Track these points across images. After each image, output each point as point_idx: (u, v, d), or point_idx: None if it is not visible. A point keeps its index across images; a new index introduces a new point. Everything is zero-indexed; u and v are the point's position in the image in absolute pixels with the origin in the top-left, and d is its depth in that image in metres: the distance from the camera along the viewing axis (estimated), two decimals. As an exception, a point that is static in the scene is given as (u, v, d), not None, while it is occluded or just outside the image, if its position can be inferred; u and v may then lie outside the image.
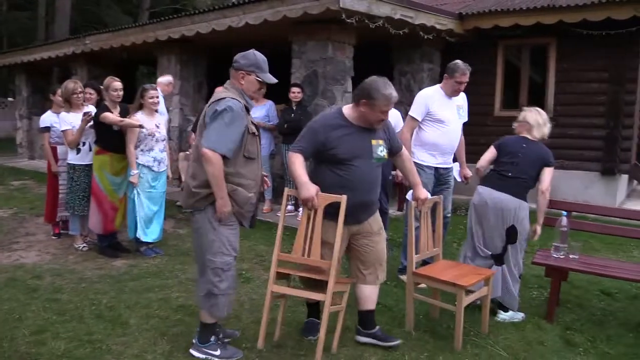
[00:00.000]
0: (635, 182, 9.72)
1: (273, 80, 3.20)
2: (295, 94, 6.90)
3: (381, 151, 3.34)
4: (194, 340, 3.30)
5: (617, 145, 7.98)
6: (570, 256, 4.04)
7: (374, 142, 3.31)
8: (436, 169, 4.66)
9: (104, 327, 3.61)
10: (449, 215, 4.91)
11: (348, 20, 6.42)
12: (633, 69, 7.91)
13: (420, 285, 3.86)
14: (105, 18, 21.64)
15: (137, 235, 5.30)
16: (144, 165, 5.23)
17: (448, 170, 4.76)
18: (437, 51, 8.94)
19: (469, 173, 4.92)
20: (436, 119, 4.56)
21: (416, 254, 3.68)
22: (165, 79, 7.12)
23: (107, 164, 5.22)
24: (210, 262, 3.15)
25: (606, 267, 4.06)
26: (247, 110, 3.15)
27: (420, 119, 4.58)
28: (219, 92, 3.19)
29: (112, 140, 5.18)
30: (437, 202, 3.87)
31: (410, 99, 8.72)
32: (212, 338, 3.26)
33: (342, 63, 7.19)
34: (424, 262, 4.07)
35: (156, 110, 5.42)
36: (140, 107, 5.25)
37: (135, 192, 5.22)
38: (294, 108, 6.92)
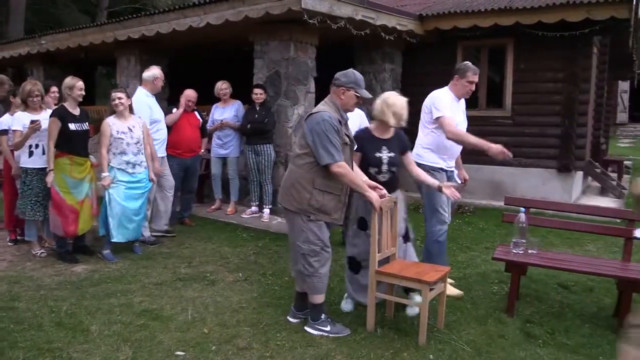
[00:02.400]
0: (589, 178, 10.06)
1: (369, 95, 3.65)
2: (258, 95, 6.87)
3: None
4: (309, 320, 3.68)
5: (572, 143, 8.25)
6: (529, 251, 4.16)
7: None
8: (446, 171, 4.61)
9: (64, 335, 3.52)
10: (450, 218, 4.81)
11: (310, 21, 6.43)
12: (586, 69, 8.19)
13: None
14: (62, 17, 21.06)
15: (106, 235, 5.29)
16: (117, 168, 5.23)
17: (453, 172, 4.76)
18: (399, 52, 9.06)
19: (466, 175, 4.94)
20: None
21: (378, 252, 3.71)
22: (149, 74, 6.12)
23: (66, 166, 5.10)
24: (299, 248, 3.58)
25: (563, 261, 4.20)
26: (341, 123, 3.54)
27: (452, 115, 4.44)
28: (323, 106, 3.59)
29: (70, 143, 5.07)
30: (395, 202, 3.92)
31: (371, 99, 8.87)
32: (323, 316, 3.64)
33: (305, 63, 7.20)
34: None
35: (133, 112, 5.47)
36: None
37: (107, 193, 5.21)
38: (258, 109, 6.89)
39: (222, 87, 7.22)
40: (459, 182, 4.83)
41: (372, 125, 4.07)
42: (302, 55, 7.16)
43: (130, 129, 5.30)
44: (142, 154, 5.40)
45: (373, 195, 3.52)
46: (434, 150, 4.54)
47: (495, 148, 4.15)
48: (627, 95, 23.88)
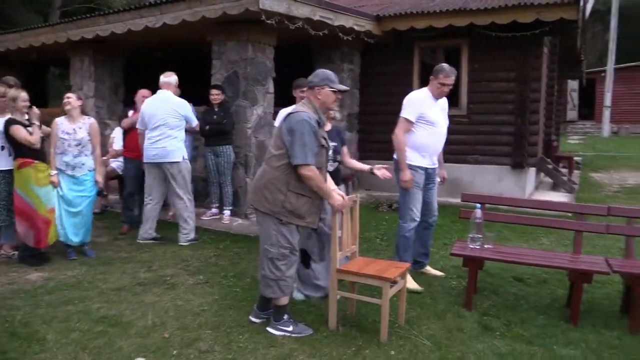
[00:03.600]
0: (542, 174, 10.40)
1: (345, 88, 3.67)
2: (215, 95, 6.82)
3: None
4: (271, 320, 3.67)
5: (525, 141, 8.51)
6: (485, 246, 4.27)
7: None
8: (425, 169, 4.75)
9: (19, 345, 3.41)
10: (436, 215, 4.99)
11: (268, 21, 6.42)
12: (537, 68, 8.46)
13: None
14: (12, 17, 20.31)
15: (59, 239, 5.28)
16: (58, 169, 5.24)
17: (435, 169, 4.88)
18: (357, 52, 9.15)
19: (445, 174, 5.07)
20: (428, 121, 4.63)
21: (339, 251, 3.75)
22: (173, 79, 6.13)
23: (31, 176, 5.07)
24: (267, 252, 3.54)
25: (518, 254, 4.33)
26: (319, 124, 3.52)
27: (414, 121, 4.61)
28: (299, 107, 3.57)
29: (29, 150, 5.06)
30: (355, 200, 3.97)
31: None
32: (285, 316, 3.63)
33: (263, 64, 7.19)
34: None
35: (86, 114, 5.54)
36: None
37: (56, 193, 5.21)
38: (216, 110, 6.84)
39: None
40: (438, 180, 4.96)
41: None
42: (261, 55, 7.14)
43: (74, 130, 5.26)
44: (84, 155, 5.31)
45: (338, 200, 3.54)
46: (413, 149, 4.68)
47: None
48: (576, 93, 24.80)
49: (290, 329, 3.59)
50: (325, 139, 3.59)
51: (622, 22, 23.98)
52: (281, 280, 3.56)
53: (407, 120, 4.61)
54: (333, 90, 3.55)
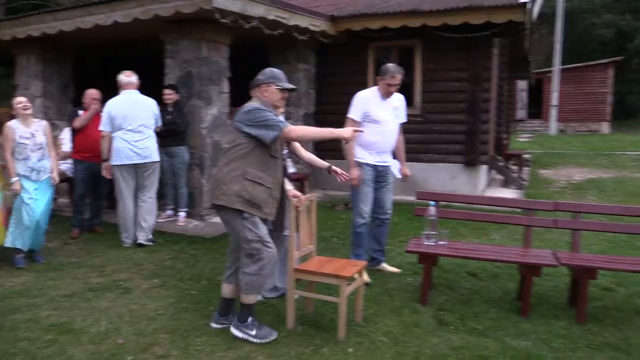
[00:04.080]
0: (493, 171, 10.69)
1: (291, 86, 3.66)
2: (168, 95, 6.71)
3: None
4: (235, 320, 3.58)
5: (477, 139, 8.73)
6: (440, 242, 4.37)
7: None
8: (375, 166, 4.85)
9: (-38, 356, 3.27)
10: (389, 212, 5.07)
11: (222, 20, 6.36)
12: (488, 69, 8.69)
13: None
14: (-50, 13, 19.36)
15: (15, 245, 5.11)
16: (22, 175, 5.08)
17: (386, 168, 4.94)
18: (312, 52, 9.17)
19: (408, 172, 5.14)
20: (373, 119, 4.75)
21: (297, 250, 3.75)
22: (131, 79, 6.03)
23: None
24: (243, 249, 3.50)
25: (471, 250, 4.45)
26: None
27: (358, 120, 4.75)
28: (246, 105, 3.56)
29: None
30: (312, 200, 3.98)
31: (286, 98, 8.89)
32: (250, 319, 3.54)
33: (218, 63, 7.11)
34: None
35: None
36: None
37: (19, 200, 5.05)
38: (169, 110, 6.72)
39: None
40: (399, 176, 5.05)
41: None
42: (215, 55, 7.06)
43: (32, 134, 5.17)
44: (46, 159, 5.24)
45: (347, 131, 3.55)
46: (360, 145, 4.80)
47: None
48: (526, 93, 25.60)
49: (254, 332, 3.52)
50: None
51: (567, 25, 24.93)
52: (255, 275, 3.48)
53: (352, 120, 4.77)
54: (279, 88, 3.58)
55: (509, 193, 9.36)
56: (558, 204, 4.57)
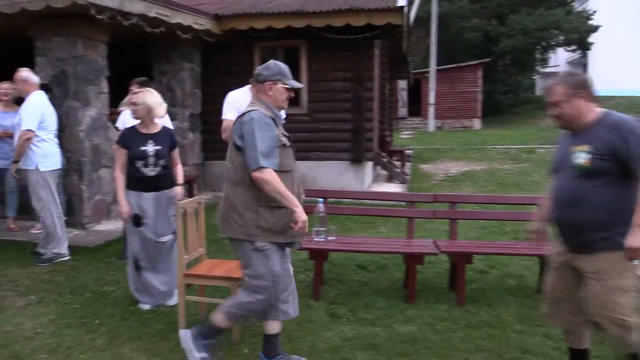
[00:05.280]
0: (378, 167, 11.16)
1: (299, 85, 3.20)
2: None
3: None
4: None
5: (362, 137, 9.07)
6: (329, 238, 4.48)
7: None
8: None
9: None
10: None
11: (98, 16, 6.02)
12: (370, 69, 9.06)
13: None
14: None
15: None
16: None
17: None
18: (197, 51, 8.99)
19: None
20: None
21: (185, 254, 3.67)
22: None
23: None
24: (244, 282, 3.07)
25: (359, 244, 4.63)
26: (276, 122, 3.01)
27: (234, 120, 4.50)
28: (250, 107, 3.05)
29: None
30: (200, 202, 3.91)
31: (171, 99, 8.65)
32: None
33: (95, 62, 6.72)
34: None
35: None
36: None
37: None
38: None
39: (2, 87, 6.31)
40: None
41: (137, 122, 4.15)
42: (92, 53, 6.67)
43: None
44: None
45: (302, 215, 2.90)
46: None
47: None
48: (406, 92, 27.01)
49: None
50: (287, 136, 3.07)
51: (441, 28, 26.64)
52: (246, 314, 3.09)
53: (226, 120, 4.47)
54: (286, 87, 3.08)
55: (393, 187, 9.83)
56: (437, 196, 4.88)
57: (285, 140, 3.03)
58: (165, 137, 4.17)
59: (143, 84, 5.70)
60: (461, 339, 3.62)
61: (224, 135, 4.57)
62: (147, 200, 4.03)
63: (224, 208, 3.03)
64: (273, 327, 3.12)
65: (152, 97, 4.06)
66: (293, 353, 3.37)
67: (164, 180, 4.11)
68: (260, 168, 2.82)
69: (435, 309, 4.15)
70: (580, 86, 2.71)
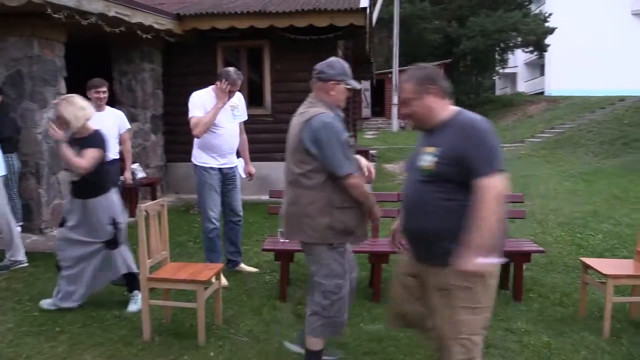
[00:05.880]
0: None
1: (359, 86, 3.02)
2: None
3: None
4: None
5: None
6: (295, 239, 4.48)
7: None
8: (220, 169, 4.72)
9: None
10: (241, 214, 5.01)
11: (55, 15, 5.86)
12: (333, 70, 9.08)
13: None
14: None
15: None
16: None
17: (233, 169, 4.84)
18: (158, 51, 8.85)
19: (252, 170, 5.09)
20: None
21: (149, 258, 3.61)
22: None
23: None
24: (320, 285, 2.96)
25: (325, 244, 4.63)
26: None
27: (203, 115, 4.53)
28: (309, 106, 2.96)
29: None
30: (162, 205, 3.86)
31: (132, 99, 8.51)
32: None
33: (52, 62, 6.54)
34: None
35: None
36: None
37: None
38: (-6, 113, 6.02)
39: None
40: (245, 176, 5.03)
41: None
42: (49, 53, 6.49)
43: None
44: None
45: (378, 213, 3.08)
46: (203, 149, 4.72)
47: None
48: (369, 93, 27.24)
49: None
50: (350, 137, 3.23)
51: (403, 29, 26.98)
52: (333, 319, 2.99)
53: (194, 117, 4.62)
54: (347, 88, 3.03)
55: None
56: (401, 195, 4.93)
57: (350, 140, 3.05)
58: (90, 141, 3.96)
59: (97, 86, 5.61)
60: (426, 336, 3.67)
61: (195, 132, 4.57)
62: (76, 204, 4.01)
63: (293, 212, 2.97)
64: (318, 343, 3.05)
65: (67, 109, 3.88)
66: (259, 356, 3.36)
67: (84, 188, 3.95)
68: (349, 174, 2.85)
69: (401, 307, 4.19)
70: (430, 81, 2.46)
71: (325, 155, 2.83)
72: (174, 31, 8.38)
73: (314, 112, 2.90)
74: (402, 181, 10.98)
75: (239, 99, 4.94)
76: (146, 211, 3.58)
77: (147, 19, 7.59)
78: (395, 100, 25.22)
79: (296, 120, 2.98)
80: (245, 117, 5.07)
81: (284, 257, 4.32)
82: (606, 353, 3.42)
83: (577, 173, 12.27)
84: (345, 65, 3.04)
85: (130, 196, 7.09)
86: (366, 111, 27.32)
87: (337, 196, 2.88)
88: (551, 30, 29.41)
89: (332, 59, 3.06)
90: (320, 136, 2.83)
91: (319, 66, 3.01)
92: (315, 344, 3.04)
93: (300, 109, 3.02)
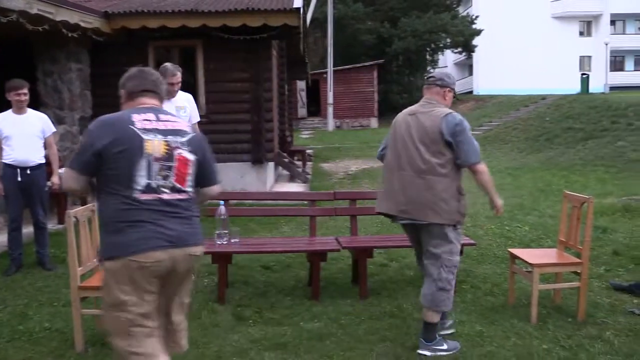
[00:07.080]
0: (280, 167, 11.22)
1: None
2: None
3: None
4: (421, 340, 3.39)
5: (262, 138, 9.06)
6: (232, 240, 4.44)
7: None
8: None
9: None
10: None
11: (-30, 13, 5.53)
12: (267, 70, 9.08)
13: None
14: None
15: None
16: None
17: None
18: (86, 50, 8.49)
19: None
20: None
21: (79, 266, 3.47)
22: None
23: None
24: (447, 261, 3.36)
25: (263, 244, 4.64)
26: None
27: None
28: (432, 107, 3.39)
29: None
30: (93, 210, 3.72)
31: (58, 101, 8.13)
32: (437, 336, 3.40)
33: (-31, 62, 6.16)
34: None
35: None
36: None
37: None
38: None
39: None
40: None
41: None
42: (-36, 52, 6.11)
43: None
44: None
45: (500, 202, 3.52)
46: None
47: None
48: (305, 92, 27.34)
49: (445, 347, 3.40)
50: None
51: (337, 30, 27.27)
52: (452, 291, 3.43)
53: None
54: (454, 95, 3.56)
55: (295, 187, 9.93)
56: (337, 194, 5.00)
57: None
58: None
59: (17, 87, 5.30)
60: (365, 331, 3.74)
61: None
62: None
63: (430, 198, 3.31)
64: (435, 316, 3.41)
65: None
66: (199, 359, 3.31)
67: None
68: (480, 161, 3.35)
69: (340, 303, 4.25)
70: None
71: (463, 145, 3.30)
72: (102, 30, 8.10)
73: (445, 110, 3.37)
74: (339, 180, 11.10)
75: (188, 100, 4.87)
76: (75, 217, 3.44)
77: (73, 17, 7.29)
78: (330, 99, 25.50)
79: (425, 117, 3.37)
80: (197, 119, 4.99)
81: (222, 259, 4.27)
82: (534, 338, 3.61)
83: (504, 168, 12.86)
84: (451, 74, 3.72)
85: (59, 202, 6.79)
86: (302, 111, 27.41)
87: (461, 185, 3.40)
88: (478, 32, 30.62)
89: (446, 70, 3.97)
90: (458, 129, 3.29)
91: (438, 74, 3.58)
92: (435, 316, 3.41)
93: (422, 109, 3.44)
